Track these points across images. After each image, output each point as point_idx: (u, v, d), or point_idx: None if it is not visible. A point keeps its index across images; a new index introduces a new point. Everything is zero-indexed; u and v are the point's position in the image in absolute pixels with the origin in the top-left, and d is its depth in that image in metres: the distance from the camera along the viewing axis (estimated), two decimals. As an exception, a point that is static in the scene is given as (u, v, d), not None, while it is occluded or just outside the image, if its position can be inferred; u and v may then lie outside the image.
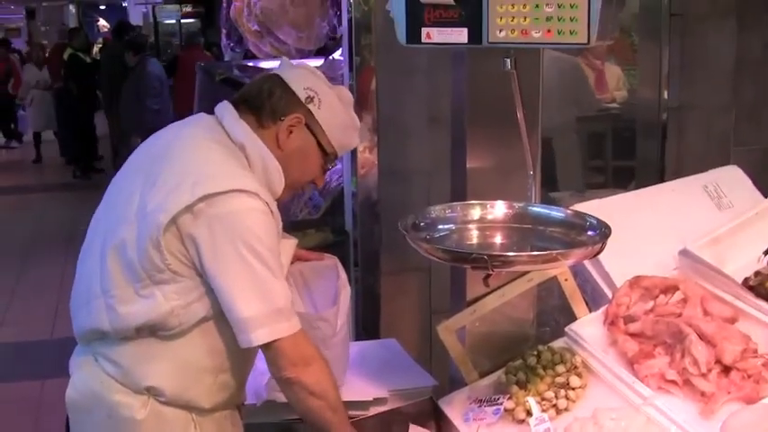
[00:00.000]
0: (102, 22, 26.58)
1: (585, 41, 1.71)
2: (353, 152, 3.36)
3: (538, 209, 2.07)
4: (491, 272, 1.76)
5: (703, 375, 2.07)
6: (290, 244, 2.17)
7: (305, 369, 1.94)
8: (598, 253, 1.91)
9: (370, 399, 2.39)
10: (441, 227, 2.04)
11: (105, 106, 10.52)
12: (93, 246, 2.00)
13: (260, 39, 4.30)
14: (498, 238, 2.03)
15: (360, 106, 3.29)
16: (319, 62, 4.21)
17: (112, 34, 11.56)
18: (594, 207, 2.66)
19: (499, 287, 2.32)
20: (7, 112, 13.81)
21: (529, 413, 2.19)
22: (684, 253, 2.46)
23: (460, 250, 1.92)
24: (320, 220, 3.96)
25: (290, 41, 4.11)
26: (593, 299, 2.60)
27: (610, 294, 2.47)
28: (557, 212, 2.06)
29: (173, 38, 14.33)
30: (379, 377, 2.52)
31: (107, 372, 1.99)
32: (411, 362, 2.67)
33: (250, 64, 5.71)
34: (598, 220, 1.97)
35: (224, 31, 5.06)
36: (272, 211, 1.93)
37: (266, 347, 1.92)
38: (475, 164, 2.27)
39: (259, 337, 1.89)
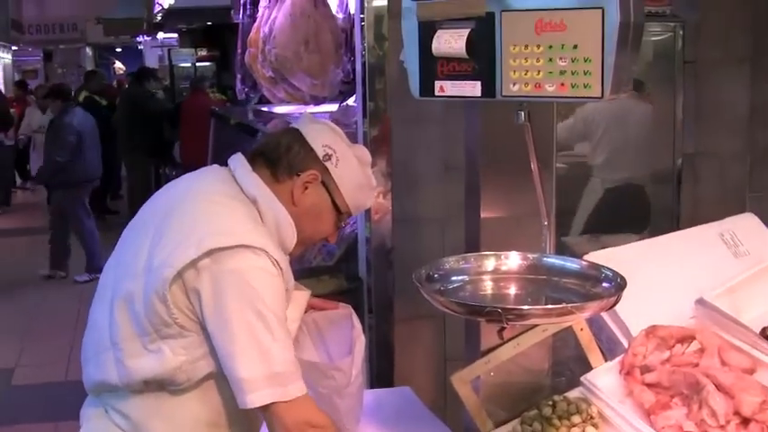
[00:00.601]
0: (118, 64, 26.92)
1: (599, 95, 1.70)
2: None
3: (552, 260, 2.06)
4: (505, 325, 1.75)
5: (722, 427, 2.06)
6: (303, 295, 2.16)
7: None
8: (613, 305, 1.89)
9: (386, 451, 2.37)
10: (454, 278, 2.03)
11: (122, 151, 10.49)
12: (103, 296, 2.00)
13: (274, 85, 4.30)
14: (513, 290, 2.02)
15: (374, 153, 3.32)
16: (334, 107, 4.23)
17: (133, 78, 11.45)
18: (609, 255, 2.66)
19: (514, 337, 2.31)
20: (24, 154, 13.81)
21: (545, 465, 2.17)
22: (701, 302, 2.45)
23: (475, 303, 1.90)
24: (334, 266, 3.95)
25: (305, 88, 4.12)
26: (609, 348, 2.58)
27: (626, 344, 2.45)
28: (571, 264, 2.05)
29: (187, 81, 14.41)
30: (393, 427, 2.51)
31: (117, 424, 1.98)
32: (426, 411, 2.65)
33: (264, 109, 5.77)
34: (613, 271, 1.96)
35: (239, 75, 5.08)
36: (281, 269, 1.90)
37: (263, 410, 1.87)
38: (489, 213, 2.27)
39: (254, 399, 1.84)
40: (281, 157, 2.00)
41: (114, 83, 18.43)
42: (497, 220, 2.28)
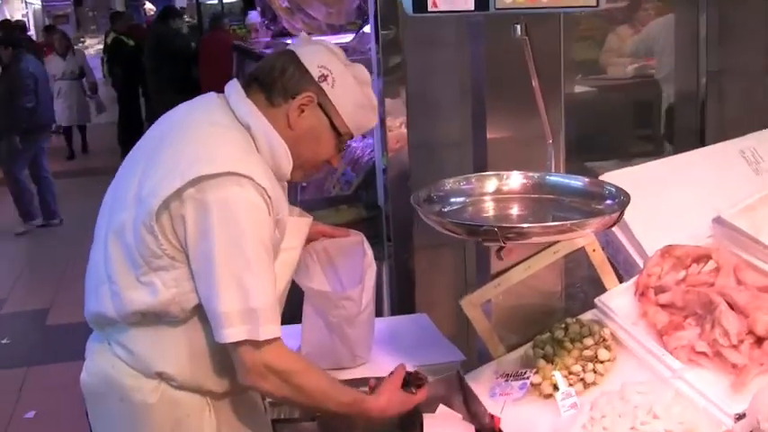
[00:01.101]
0: (148, 5, 26.78)
1: (595, 4, 1.64)
2: (383, 127, 3.32)
3: (555, 178, 2.01)
4: (503, 244, 1.71)
5: (734, 347, 2.01)
6: (305, 222, 2.13)
7: (260, 379, 1.87)
8: (615, 222, 1.84)
9: (397, 375, 2.36)
10: (454, 199, 1.99)
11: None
12: (100, 230, 1.99)
13: (291, 15, 4.27)
14: (515, 210, 1.98)
15: (389, 79, 3.26)
16: (350, 37, 4.18)
17: (158, 17, 11.38)
18: (626, 175, 2.62)
19: (524, 260, 2.28)
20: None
21: (556, 388, 2.15)
22: (719, 221, 2.39)
23: (470, 223, 1.86)
24: (353, 195, 3.94)
25: (320, 17, 4.07)
26: (626, 269, 2.54)
27: (642, 264, 2.41)
28: (574, 181, 2.00)
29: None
30: (406, 353, 2.50)
31: (119, 356, 1.99)
32: (440, 337, 2.64)
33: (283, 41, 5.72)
34: (617, 188, 1.91)
35: (258, 8, 5.03)
36: (269, 198, 1.86)
37: (233, 347, 1.85)
38: (496, 135, 2.22)
39: (230, 335, 1.82)
40: (276, 80, 1.96)
41: (145, 24, 18.34)
42: (505, 142, 2.23)
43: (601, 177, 2.61)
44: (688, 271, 2.30)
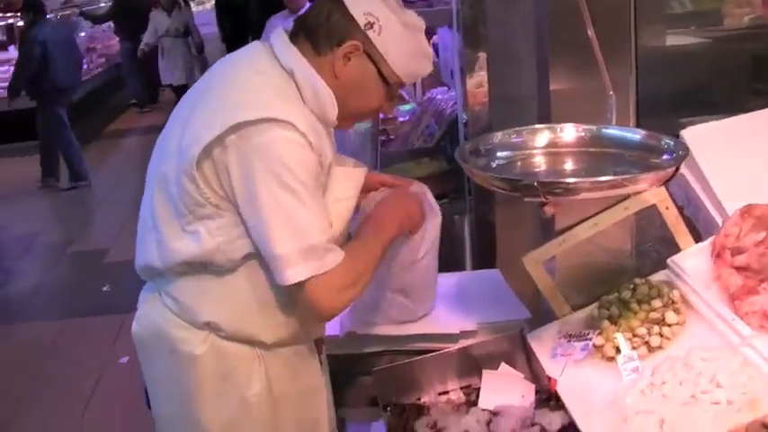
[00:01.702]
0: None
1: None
2: (463, 79, 3.25)
3: (610, 131, 1.90)
4: (545, 200, 1.63)
5: (811, 316, 1.89)
6: (359, 172, 2.09)
7: (334, 303, 1.90)
8: (671, 177, 1.73)
9: (457, 332, 2.34)
10: (502, 153, 1.92)
11: None
12: (148, 180, 2.02)
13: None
14: (568, 164, 1.89)
15: (470, 33, 3.19)
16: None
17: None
18: (709, 130, 2.48)
19: (591, 216, 2.19)
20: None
21: (618, 350, 2.08)
22: (803, 178, 2.25)
23: (510, 177, 1.78)
24: (434, 148, 3.89)
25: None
26: (706, 230, 2.42)
27: (722, 224, 2.29)
28: (631, 134, 1.89)
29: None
30: (472, 309, 2.47)
31: (168, 307, 2.01)
32: (509, 294, 2.59)
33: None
34: (676, 141, 1.80)
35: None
36: (310, 142, 1.84)
37: (299, 286, 1.85)
38: (559, 86, 2.12)
39: (292, 276, 1.82)
40: (320, 27, 1.92)
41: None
42: (570, 94, 2.13)
43: (683, 132, 2.49)
44: (768, 232, 2.17)
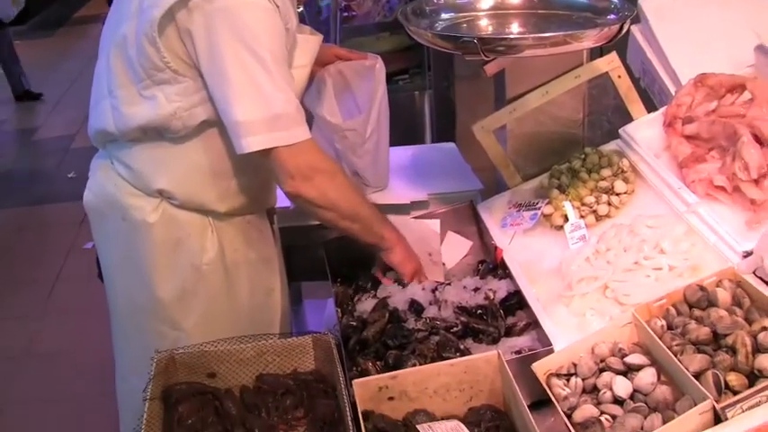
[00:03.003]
0: None
1: None
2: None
3: None
4: (485, 58, 1.58)
5: (755, 182, 1.88)
6: (314, 40, 2.02)
7: (303, 182, 1.83)
8: (615, 35, 1.67)
9: (408, 202, 2.33)
10: (446, 15, 1.86)
11: None
12: (103, 44, 1.95)
13: None
14: (515, 26, 1.83)
15: None
16: None
17: None
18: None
19: (542, 84, 2.15)
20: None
21: (566, 219, 2.07)
22: (760, 49, 2.21)
23: (449, 34, 1.72)
24: (395, 22, 3.78)
25: None
26: (661, 100, 2.40)
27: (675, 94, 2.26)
28: None
29: None
30: (426, 181, 2.45)
31: (120, 174, 1.98)
32: (464, 166, 2.58)
33: None
34: (622, 1, 1.74)
35: None
36: (277, 6, 1.78)
37: (263, 156, 1.80)
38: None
39: (251, 143, 1.77)
40: None
41: None
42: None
43: (641, 1, 2.44)
44: (720, 101, 2.14)
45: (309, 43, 2.02)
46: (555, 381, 1.60)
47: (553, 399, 1.56)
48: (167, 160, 1.94)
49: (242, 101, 1.76)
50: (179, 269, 2.01)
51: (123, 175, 1.98)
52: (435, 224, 2.13)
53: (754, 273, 1.67)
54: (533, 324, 1.84)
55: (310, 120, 2.30)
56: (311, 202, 1.87)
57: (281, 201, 2.23)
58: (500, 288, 2.00)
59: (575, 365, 1.63)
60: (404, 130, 3.18)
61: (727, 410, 1.40)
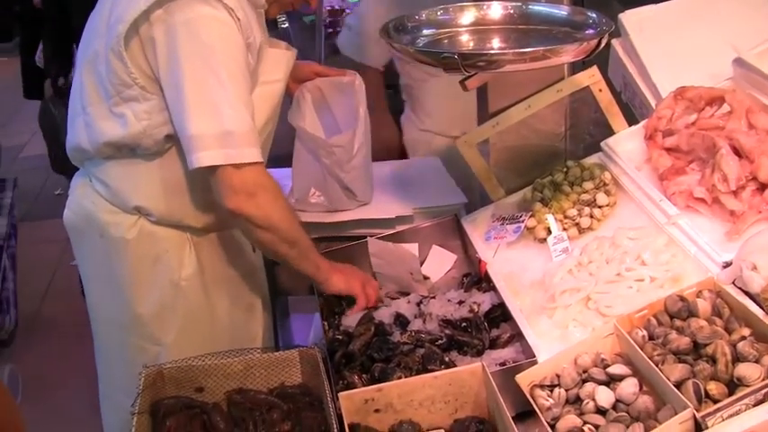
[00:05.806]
0: None
1: None
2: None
3: (537, 8, 1.87)
4: (466, 73, 1.60)
5: (733, 193, 1.91)
6: (288, 55, 2.05)
7: (248, 200, 1.81)
8: (594, 50, 1.70)
9: (393, 216, 2.34)
10: (428, 31, 1.88)
11: None
12: (78, 61, 1.97)
13: None
14: (496, 41, 1.86)
15: None
16: None
17: None
18: (647, 14, 2.48)
19: (524, 98, 2.18)
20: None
21: (549, 231, 2.10)
22: (738, 62, 2.24)
23: (430, 50, 1.75)
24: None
25: None
26: (642, 114, 2.43)
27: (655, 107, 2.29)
28: (557, 11, 1.86)
29: None
30: (410, 195, 2.47)
31: (98, 192, 2.00)
32: (448, 180, 2.60)
33: None
34: (600, 16, 1.77)
35: None
36: (238, 19, 1.79)
37: (208, 172, 1.80)
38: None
39: (202, 158, 1.76)
40: None
41: None
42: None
43: (621, 15, 2.47)
44: (700, 114, 2.18)
45: (284, 58, 2.04)
46: (538, 392, 1.62)
47: (537, 410, 1.58)
48: (142, 177, 1.95)
49: (195, 115, 1.76)
50: (158, 285, 2.02)
51: (101, 192, 2.00)
52: (414, 248, 2.17)
53: (733, 283, 1.70)
54: (517, 336, 1.86)
55: (293, 134, 2.33)
56: (252, 221, 1.85)
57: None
58: (484, 301, 2.02)
59: (558, 376, 1.65)
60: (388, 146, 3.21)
61: (707, 419, 1.42)
